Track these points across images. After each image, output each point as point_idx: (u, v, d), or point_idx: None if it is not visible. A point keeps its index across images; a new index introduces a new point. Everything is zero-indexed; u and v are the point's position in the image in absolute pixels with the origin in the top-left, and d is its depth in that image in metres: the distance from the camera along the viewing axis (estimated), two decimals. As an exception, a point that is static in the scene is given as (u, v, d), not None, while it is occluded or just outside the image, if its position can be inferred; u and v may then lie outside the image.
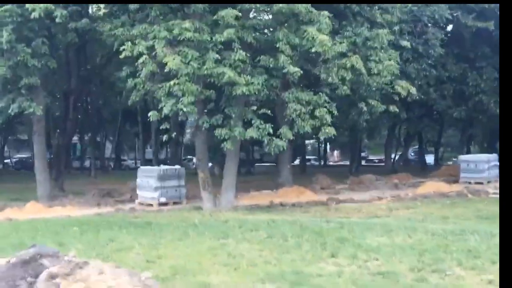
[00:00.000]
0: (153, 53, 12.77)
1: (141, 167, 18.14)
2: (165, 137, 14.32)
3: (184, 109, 12.61)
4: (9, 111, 15.01)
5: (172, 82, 12.24)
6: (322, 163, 45.48)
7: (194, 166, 26.53)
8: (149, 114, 13.50)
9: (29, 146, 62.22)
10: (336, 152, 61.28)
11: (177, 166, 17.79)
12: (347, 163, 51.25)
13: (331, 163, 51.02)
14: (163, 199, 16.82)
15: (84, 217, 14.03)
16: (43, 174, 17.75)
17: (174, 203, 17.10)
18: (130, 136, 51.07)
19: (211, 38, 12.83)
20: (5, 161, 57.34)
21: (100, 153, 41.45)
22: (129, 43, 12.53)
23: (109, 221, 12.77)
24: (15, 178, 36.20)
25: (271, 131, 13.12)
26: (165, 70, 12.36)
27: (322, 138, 18.65)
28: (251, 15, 14.45)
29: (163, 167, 17.66)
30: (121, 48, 12.67)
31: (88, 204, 18.03)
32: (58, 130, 26.03)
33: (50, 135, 25.65)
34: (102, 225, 11.98)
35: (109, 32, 13.66)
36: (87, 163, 43.37)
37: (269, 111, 13.46)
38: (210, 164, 35.27)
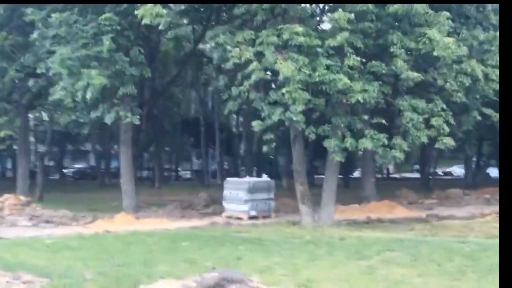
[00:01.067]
0: (260, 59, 12.12)
1: (229, 178, 17.51)
2: (265, 148, 13.59)
3: (294, 118, 11.89)
4: (105, 120, 14.75)
5: (284, 90, 11.55)
6: (385, 175, 43.92)
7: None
8: (253, 124, 12.82)
9: (85, 157, 63.98)
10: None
11: (267, 178, 17.06)
12: (404, 175, 49.71)
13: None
14: (253, 213, 16.11)
15: (182, 231, 13.45)
16: (130, 185, 17.42)
17: (264, 216, 16.37)
18: (184, 146, 51.25)
19: (322, 43, 12.09)
20: (64, 171, 58.92)
21: (161, 164, 41.54)
22: (237, 49, 11.94)
23: (215, 236, 12.13)
24: (77, 188, 36.71)
25: (385, 141, 12.19)
26: (279, 77, 11.69)
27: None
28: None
29: (252, 179, 16.99)
30: (230, 55, 12.09)
31: (173, 216, 17.55)
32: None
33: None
34: (212, 240, 11.36)
35: (212, 39, 13.14)
36: (144, 173, 43.68)
37: (383, 120, 12.55)
38: (265, 175, 34.91)
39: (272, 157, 42.85)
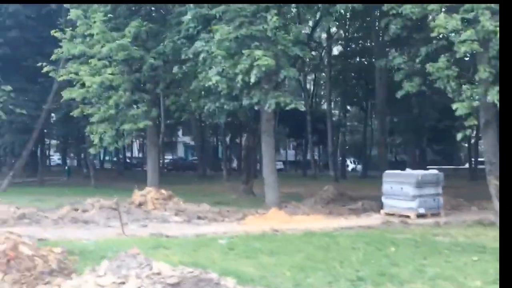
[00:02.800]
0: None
1: (388, 171, 15.58)
2: (459, 136, 11.48)
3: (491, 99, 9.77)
4: (266, 107, 13.33)
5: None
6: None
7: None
8: (454, 107, 10.76)
9: (172, 148, 64.73)
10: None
11: (435, 171, 14.93)
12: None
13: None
14: (421, 210, 14.08)
15: (359, 231, 11.74)
16: (273, 178, 16.03)
17: (432, 215, 14.30)
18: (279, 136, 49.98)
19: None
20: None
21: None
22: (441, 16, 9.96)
23: (414, 240, 10.29)
24: (177, 179, 36.59)
25: None
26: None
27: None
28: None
29: (420, 172, 14.94)
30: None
31: (318, 211, 16.01)
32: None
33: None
34: (416, 245, 9.58)
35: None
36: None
37: None
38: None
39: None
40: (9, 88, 21.90)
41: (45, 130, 31.27)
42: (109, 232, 11.93)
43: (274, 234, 11.51)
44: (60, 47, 27.43)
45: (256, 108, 13.87)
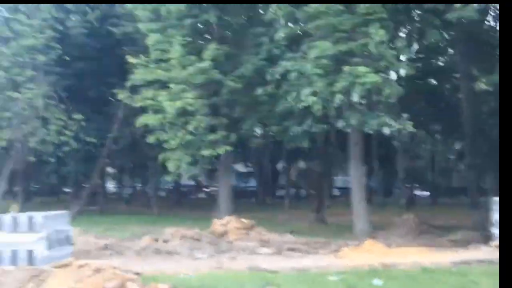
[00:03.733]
0: None
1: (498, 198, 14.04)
2: None
3: None
4: (366, 130, 12.26)
5: None
6: None
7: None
8: None
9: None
10: None
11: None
12: None
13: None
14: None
15: (486, 267, 10.33)
16: (363, 205, 14.82)
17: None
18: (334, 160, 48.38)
19: None
20: (206, 190, 59.59)
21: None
22: None
23: None
24: (234, 207, 35.69)
25: None
26: None
27: None
28: None
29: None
30: None
31: (414, 243, 14.58)
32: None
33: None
34: None
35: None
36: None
37: None
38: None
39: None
40: (80, 117, 21.92)
41: (106, 159, 31.35)
42: (201, 265, 11.13)
43: (387, 270, 10.28)
44: (124, 76, 27.88)
45: (348, 130, 12.86)
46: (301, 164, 37.79)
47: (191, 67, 15.30)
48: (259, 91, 14.27)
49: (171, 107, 15.19)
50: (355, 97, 11.11)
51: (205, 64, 14.80)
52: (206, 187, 59.34)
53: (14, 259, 10.80)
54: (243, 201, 43.91)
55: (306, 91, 12.26)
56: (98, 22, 25.90)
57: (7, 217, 11.26)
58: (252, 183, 46.67)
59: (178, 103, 14.71)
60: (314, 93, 12.07)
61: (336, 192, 47.05)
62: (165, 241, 14.65)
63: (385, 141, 35.62)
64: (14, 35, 21.49)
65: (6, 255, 10.83)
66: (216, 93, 16.05)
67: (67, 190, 61.53)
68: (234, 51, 16.72)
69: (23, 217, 11.25)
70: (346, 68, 11.25)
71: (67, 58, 23.54)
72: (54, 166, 30.85)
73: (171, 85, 15.28)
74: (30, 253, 10.90)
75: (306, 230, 19.45)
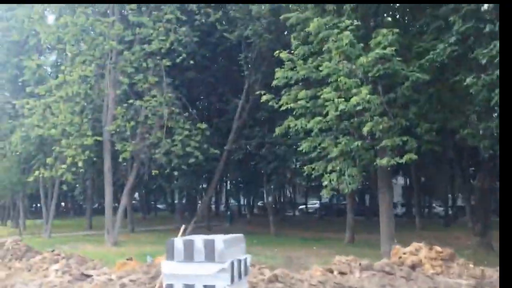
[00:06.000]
0: None
1: None
2: None
3: None
4: None
5: None
6: None
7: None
8: None
9: (314, 192, 60.89)
10: None
11: None
12: None
13: None
14: None
15: None
16: None
17: None
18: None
19: None
20: (300, 207, 56.05)
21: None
22: None
23: None
24: (324, 225, 32.38)
25: None
26: None
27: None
28: None
29: None
30: None
31: None
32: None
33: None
34: None
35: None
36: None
37: None
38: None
39: None
40: (204, 126, 19.83)
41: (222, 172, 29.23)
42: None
43: None
44: (241, 82, 25.79)
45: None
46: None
47: (362, 57, 12.41)
48: (469, 80, 10.94)
49: (335, 107, 12.40)
50: None
51: (388, 50, 11.83)
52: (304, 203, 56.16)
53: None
54: (342, 219, 40.11)
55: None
56: (209, 28, 24.15)
57: (179, 242, 8.86)
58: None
59: (354, 99, 11.82)
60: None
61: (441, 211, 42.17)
62: (341, 273, 11.68)
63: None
64: (137, 39, 20.00)
65: (178, 291, 8.26)
66: (392, 88, 13.01)
67: (160, 206, 61.32)
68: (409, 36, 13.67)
69: (198, 242, 8.81)
70: None
71: (191, 62, 21.61)
72: (165, 179, 29.24)
73: (342, 79, 12.43)
74: (208, 288, 8.26)
75: (473, 257, 15.82)
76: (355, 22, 12.87)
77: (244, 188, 36.23)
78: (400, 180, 44.25)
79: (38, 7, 22.06)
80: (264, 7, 22.09)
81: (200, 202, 29.37)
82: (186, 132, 19.27)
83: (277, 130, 16.29)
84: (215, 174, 25.41)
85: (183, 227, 8.85)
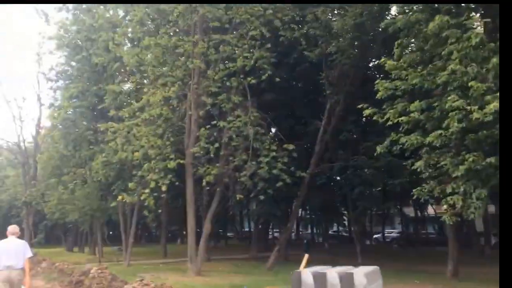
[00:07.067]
0: None
1: None
2: None
3: None
4: None
5: None
6: None
7: None
8: None
9: (390, 220, 57.39)
10: None
11: None
12: None
13: None
14: None
15: None
16: None
17: None
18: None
19: None
20: (375, 236, 52.83)
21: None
22: None
23: None
24: (411, 256, 29.32)
25: None
26: None
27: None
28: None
29: None
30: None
31: None
32: None
33: None
34: None
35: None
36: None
37: None
38: None
39: None
40: (291, 147, 18.47)
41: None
42: None
43: None
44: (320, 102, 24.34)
45: None
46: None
47: (495, 58, 10.62)
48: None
49: (462, 117, 10.64)
50: None
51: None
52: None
53: None
54: (422, 249, 36.77)
55: None
56: (287, 48, 23.04)
57: (307, 275, 7.41)
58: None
59: (492, 106, 10.00)
60: None
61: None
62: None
63: None
64: (220, 57, 19.23)
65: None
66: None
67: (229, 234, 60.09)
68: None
69: (332, 275, 7.35)
70: None
71: (269, 83, 20.59)
72: (238, 206, 28.13)
73: (471, 84, 10.67)
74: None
75: None
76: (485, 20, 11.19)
77: (321, 215, 34.32)
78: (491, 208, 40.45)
79: (120, 31, 22.10)
80: (348, 21, 20.78)
81: (273, 230, 27.78)
82: (273, 153, 17.98)
83: (379, 149, 14.64)
84: (297, 200, 23.86)
85: (306, 256, 7.48)
